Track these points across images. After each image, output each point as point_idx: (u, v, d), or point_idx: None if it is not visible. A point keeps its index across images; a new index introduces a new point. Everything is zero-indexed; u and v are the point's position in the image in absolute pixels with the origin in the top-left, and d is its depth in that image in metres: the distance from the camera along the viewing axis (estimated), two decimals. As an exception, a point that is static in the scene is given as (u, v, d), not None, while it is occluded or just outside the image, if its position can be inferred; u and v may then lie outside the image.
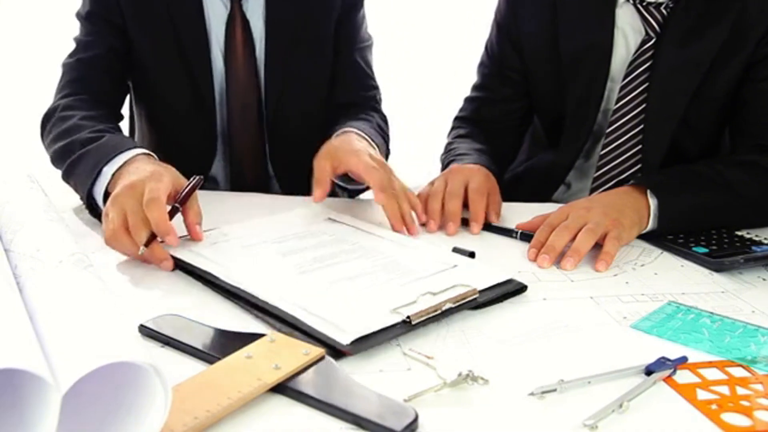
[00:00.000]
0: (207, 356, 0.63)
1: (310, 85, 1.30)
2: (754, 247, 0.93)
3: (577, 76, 1.18)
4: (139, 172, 0.90)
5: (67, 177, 1.05)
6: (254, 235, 0.92)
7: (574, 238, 0.91)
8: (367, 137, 1.11)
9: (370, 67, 1.36)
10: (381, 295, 0.75)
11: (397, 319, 0.69)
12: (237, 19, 1.23)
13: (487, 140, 1.25)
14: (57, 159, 1.08)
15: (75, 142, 1.04)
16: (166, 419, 0.48)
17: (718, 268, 0.89)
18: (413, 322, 0.69)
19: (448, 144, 1.28)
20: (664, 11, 1.12)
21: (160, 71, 1.24)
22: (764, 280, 0.87)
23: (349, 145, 1.04)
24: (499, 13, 1.28)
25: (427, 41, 2.86)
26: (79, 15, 1.25)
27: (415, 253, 0.88)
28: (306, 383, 0.59)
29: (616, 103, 1.16)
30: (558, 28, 1.18)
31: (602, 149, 1.19)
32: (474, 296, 0.75)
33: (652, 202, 0.98)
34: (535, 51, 1.22)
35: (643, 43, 1.13)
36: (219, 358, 0.62)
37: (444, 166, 1.22)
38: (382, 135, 1.25)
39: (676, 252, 0.94)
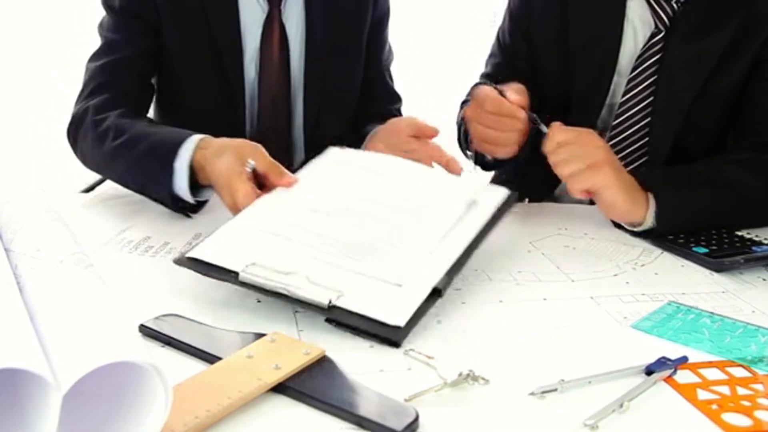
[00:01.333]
0: (207, 356, 0.63)
1: (346, 96, 1.31)
2: (754, 248, 0.93)
3: (584, 68, 1.18)
4: (215, 174, 0.91)
5: (125, 180, 1.04)
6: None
7: None
8: None
9: (393, 79, 1.41)
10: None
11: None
12: (275, 23, 1.21)
13: None
14: (103, 163, 1.07)
15: (130, 141, 1.02)
16: (167, 419, 0.48)
17: (718, 269, 0.89)
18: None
19: (460, 119, 1.26)
20: (674, 5, 1.11)
21: (190, 72, 1.21)
22: (764, 280, 0.87)
23: None
24: (512, 2, 1.28)
25: (427, 42, 2.86)
26: (108, 7, 1.20)
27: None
28: (306, 383, 0.59)
29: (623, 96, 1.16)
30: (568, 17, 1.17)
31: (608, 142, 1.18)
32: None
33: (650, 198, 0.97)
34: (544, 41, 1.22)
35: (652, 36, 1.13)
36: (219, 358, 0.62)
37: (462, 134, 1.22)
38: None
39: (677, 252, 0.94)
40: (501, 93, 1.02)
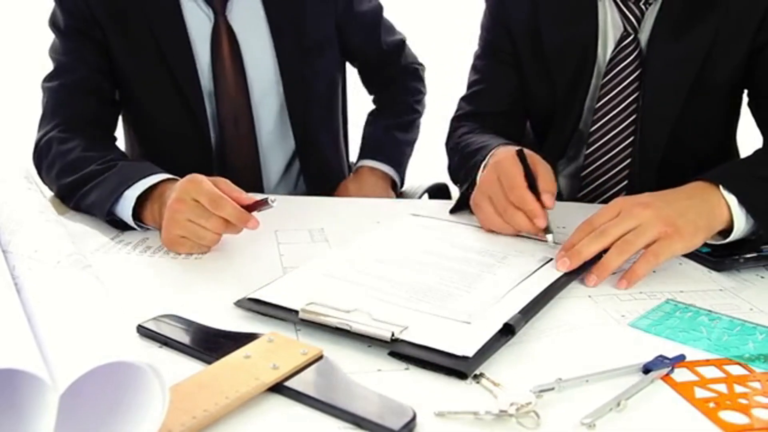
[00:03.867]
0: (205, 356, 0.63)
1: (329, 89, 1.34)
2: (761, 247, 0.90)
3: (561, 70, 1.17)
4: (175, 189, 0.88)
5: (78, 206, 1.03)
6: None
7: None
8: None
9: (389, 30, 1.43)
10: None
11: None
12: (222, 29, 1.20)
13: (495, 133, 1.18)
14: (65, 194, 1.05)
15: (86, 176, 1.02)
16: (164, 419, 0.48)
17: (717, 267, 0.88)
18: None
19: (456, 144, 1.22)
20: (643, 7, 1.11)
21: (146, 89, 1.21)
22: (762, 278, 0.87)
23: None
24: (489, 2, 1.27)
25: (425, 42, 2.86)
26: (55, 28, 1.19)
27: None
28: (304, 383, 0.59)
29: (599, 100, 1.15)
30: (540, 20, 1.16)
31: (587, 149, 1.17)
32: None
33: (729, 198, 0.86)
34: (521, 42, 1.20)
35: (622, 39, 1.12)
36: (217, 358, 0.62)
37: (458, 168, 1.18)
38: (401, 126, 1.44)
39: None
40: (529, 172, 0.93)
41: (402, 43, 1.45)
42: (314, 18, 1.27)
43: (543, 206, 0.91)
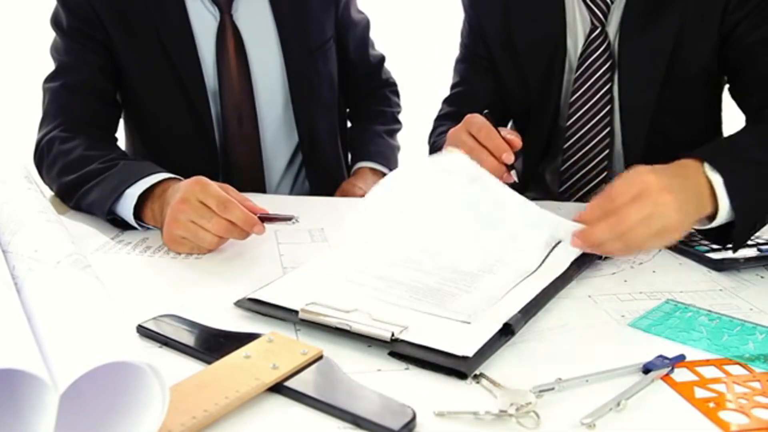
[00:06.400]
0: (205, 356, 0.63)
1: (330, 88, 1.34)
2: (761, 247, 0.91)
3: (534, 68, 1.18)
4: (180, 190, 0.88)
5: (78, 205, 1.03)
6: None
7: None
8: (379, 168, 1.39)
9: (372, 44, 1.47)
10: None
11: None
12: (228, 29, 1.21)
13: None
14: (66, 192, 1.06)
15: (87, 174, 1.02)
16: (164, 419, 0.48)
17: (717, 267, 0.88)
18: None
19: (434, 141, 1.26)
20: (608, 0, 1.12)
21: (150, 88, 1.21)
22: (762, 278, 0.87)
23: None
24: (463, 6, 1.29)
25: (415, 41, 2.86)
26: (57, 27, 1.18)
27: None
28: (304, 383, 0.59)
29: (572, 95, 1.16)
30: (511, 25, 1.18)
31: (565, 143, 1.18)
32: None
33: (715, 178, 0.82)
34: (495, 43, 1.22)
35: (591, 33, 1.13)
36: (217, 358, 0.62)
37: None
38: (391, 133, 1.48)
39: (676, 250, 0.94)
40: (494, 127, 0.94)
41: (383, 59, 1.50)
42: (318, 19, 1.28)
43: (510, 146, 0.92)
